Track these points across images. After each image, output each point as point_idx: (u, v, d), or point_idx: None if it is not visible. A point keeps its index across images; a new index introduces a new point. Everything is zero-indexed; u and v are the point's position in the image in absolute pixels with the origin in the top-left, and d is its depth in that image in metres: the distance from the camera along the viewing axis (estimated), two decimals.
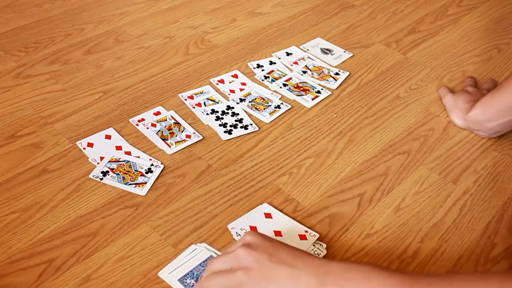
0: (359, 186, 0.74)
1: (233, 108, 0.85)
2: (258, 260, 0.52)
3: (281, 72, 0.95)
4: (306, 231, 0.66)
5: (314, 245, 0.64)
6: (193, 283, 0.59)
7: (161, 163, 0.75)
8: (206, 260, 0.62)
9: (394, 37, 1.07)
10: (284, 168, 0.76)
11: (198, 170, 0.75)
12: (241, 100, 0.87)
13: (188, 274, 0.60)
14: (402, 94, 0.91)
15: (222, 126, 0.82)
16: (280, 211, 0.69)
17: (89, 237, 0.65)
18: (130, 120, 0.82)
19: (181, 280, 0.60)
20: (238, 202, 0.70)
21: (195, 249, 0.63)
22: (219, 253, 0.63)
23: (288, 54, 1.00)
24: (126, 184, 0.72)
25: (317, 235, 0.65)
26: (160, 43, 1.02)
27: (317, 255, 0.63)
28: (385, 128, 0.84)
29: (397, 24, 1.12)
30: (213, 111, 0.85)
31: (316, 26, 1.10)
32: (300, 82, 0.92)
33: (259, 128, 0.82)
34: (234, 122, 0.83)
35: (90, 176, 0.73)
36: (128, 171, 0.73)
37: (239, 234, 0.65)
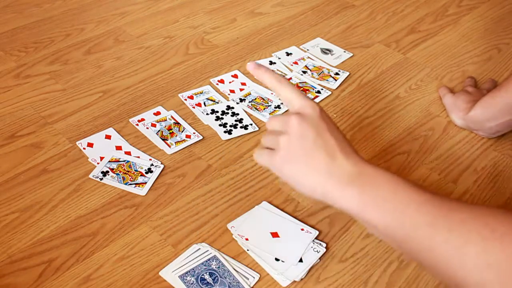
0: None
1: (233, 108, 0.85)
2: (305, 135, 0.52)
3: (281, 72, 0.95)
4: (302, 229, 0.66)
5: (313, 243, 0.65)
6: (193, 281, 0.59)
7: (161, 163, 0.75)
8: (208, 260, 0.62)
9: (394, 37, 1.07)
10: None
11: (198, 170, 0.75)
12: (241, 100, 0.87)
13: (189, 272, 0.60)
14: (402, 94, 0.91)
15: (222, 126, 0.82)
16: (282, 209, 0.69)
17: (89, 237, 0.65)
18: (130, 120, 0.82)
19: (182, 277, 0.60)
20: (238, 202, 0.70)
21: (199, 249, 0.63)
22: (221, 252, 0.63)
23: (288, 54, 1.00)
24: (126, 184, 0.72)
25: (314, 233, 0.65)
26: (160, 43, 1.03)
27: (316, 252, 0.63)
28: (385, 128, 0.84)
29: (397, 24, 1.12)
30: (213, 111, 0.85)
31: (316, 26, 1.10)
32: (300, 82, 0.92)
33: (259, 128, 0.82)
34: (234, 122, 0.83)
35: (90, 176, 0.73)
36: (128, 171, 0.73)
37: (239, 234, 0.65)
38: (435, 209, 0.47)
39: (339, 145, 0.52)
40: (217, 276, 0.60)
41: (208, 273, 0.60)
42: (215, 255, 0.62)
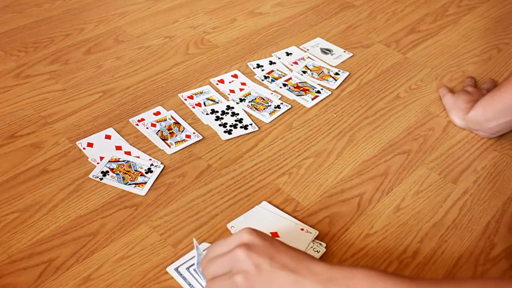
0: (359, 186, 0.74)
1: (233, 108, 0.85)
2: (258, 264, 0.49)
3: (281, 72, 0.95)
4: (302, 229, 0.66)
5: (313, 243, 0.65)
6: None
7: (161, 163, 0.75)
8: None
9: (394, 37, 1.07)
10: (284, 168, 0.76)
11: (198, 170, 0.75)
12: (241, 100, 0.87)
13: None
14: (402, 94, 0.91)
15: (222, 126, 0.82)
16: (281, 210, 0.69)
17: (89, 237, 0.65)
18: (130, 120, 0.82)
19: (197, 270, 0.60)
20: (238, 202, 0.70)
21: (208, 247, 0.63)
22: None
23: (288, 54, 1.00)
24: (126, 184, 0.72)
25: (314, 233, 0.65)
26: (160, 43, 1.02)
27: (316, 252, 0.63)
28: (385, 128, 0.84)
29: (397, 24, 1.12)
30: (213, 111, 0.85)
31: (316, 26, 1.10)
32: (300, 82, 0.92)
33: (259, 128, 0.82)
34: (234, 122, 0.83)
35: (90, 176, 0.73)
36: (128, 171, 0.73)
37: None
38: None
39: (297, 258, 0.50)
40: None
41: None
42: None
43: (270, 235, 0.64)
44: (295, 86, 0.91)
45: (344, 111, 0.87)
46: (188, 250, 0.64)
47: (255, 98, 0.88)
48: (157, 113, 0.84)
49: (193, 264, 0.61)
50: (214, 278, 0.52)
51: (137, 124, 0.82)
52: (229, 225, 0.66)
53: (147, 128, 0.81)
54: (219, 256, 0.52)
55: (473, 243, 0.67)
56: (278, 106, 0.87)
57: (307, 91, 0.90)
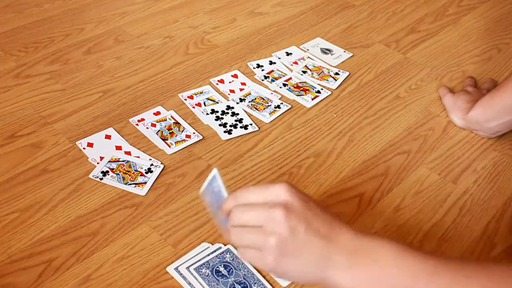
0: (359, 186, 0.74)
1: (233, 108, 0.85)
2: (294, 228, 0.48)
3: (281, 72, 0.95)
4: None
5: None
6: (208, 273, 0.59)
7: (161, 163, 0.75)
8: (222, 253, 0.62)
9: (394, 37, 1.07)
10: (284, 168, 0.76)
11: (198, 170, 0.75)
12: (241, 100, 0.87)
13: (204, 265, 0.61)
14: (402, 94, 0.91)
15: (222, 126, 0.82)
16: None
17: (89, 237, 0.65)
18: (130, 120, 0.82)
19: (197, 270, 0.60)
20: None
21: (208, 247, 0.63)
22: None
23: (288, 54, 1.00)
24: (126, 184, 0.72)
25: None
26: (160, 43, 1.02)
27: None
28: (385, 128, 0.84)
29: (397, 24, 1.12)
30: (213, 111, 0.85)
31: (316, 26, 1.10)
32: (300, 82, 0.92)
33: (259, 128, 0.82)
34: (234, 122, 0.83)
35: (90, 176, 0.73)
36: (128, 171, 0.73)
37: None
38: (447, 278, 0.45)
39: (330, 224, 0.50)
40: (231, 268, 0.60)
41: (222, 265, 0.61)
42: (228, 247, 0.63)
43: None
44: (295, 86, 0.91)
45: (344, 111, 0.87)
46: (188, 250, 0.64)
47: (255, 98, 0.88)
48: (157, 113, 0.84)
49: (193, 264, 0.61)
50: (244, 227, 0.50)
51: (137, 124, 0.82)
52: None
53: (147, 128, 0.81)
54: (254, 207, 0.50)
55: (473, 243, 0.67)
56: (278, 106, 0.87)
57: (307, 91, 0.90)
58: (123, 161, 0.75)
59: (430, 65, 0.99)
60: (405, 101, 0.90)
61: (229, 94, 0.89)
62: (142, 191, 0.71)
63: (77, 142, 0.78)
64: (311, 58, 0.99)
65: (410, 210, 0.70)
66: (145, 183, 0.72)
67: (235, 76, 0.94)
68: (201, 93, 0.89)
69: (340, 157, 0.78)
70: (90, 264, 0.62)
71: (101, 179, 0.72)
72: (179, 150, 0.78)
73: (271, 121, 0.84)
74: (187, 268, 0.61)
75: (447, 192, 0.73)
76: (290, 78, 0.93)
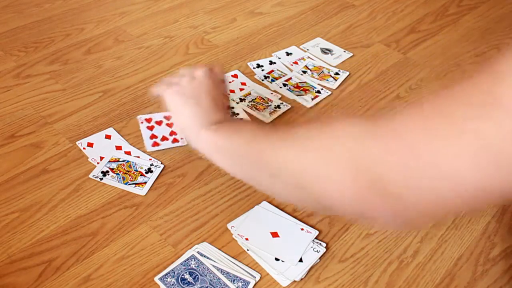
0: None
1: (233, 108, 0.85)
2: (201, 83, 0.66)
3: (281, 72, 0.95)
4: (302, 229, 0.66)
5: (313, 243, 0.65)
6: (174, 282, 0.59)
7: (161, 163, 0.75)
8: (187, 260, 0.62)
9: (394, 37, 1.07)
10: None
11: (198, 170, 0.75)
12: (241, 100, 0.87)
13: (168, 273, 0.60)
14: (402, 94, 0.91)
15: None
16: (282, 210, 0.69)
17: (89, 237, 0.65)
18: (138, 117, 0.82)
19: (162, 279, 0.60)
20: (238, 202, 0.70)
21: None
22: (220, 252, 0.63)
23: (288, 54, 1.00)
24: (126, 184, 0.72)
25: (314, 233, 0.65)
26: (160, 43, 1.02)
27: (316, 252, 0.63)
28: None
29: (397, 24, 1.12)
30: None
31: (316, 26, 1.10)
32: (300, 82, 0.92)
33: None
34: None
35: (90, 176, 0.73)
36: (128, 171, 0.73)
37: (239, 234, 0.65)
38: (276, 131, 0.54)
39: (215, 104, 0.64)
40: (197, 275, 0.60)
41: (188, 272, 0.60)
42: (193, 254, 0.62)
43: (271, 234, 0.64)
44: (295, 86, 0.91)
45: (344, 111, 0.87)
46: (188, 250, 0.64)
47: (255, 98, 0.88)
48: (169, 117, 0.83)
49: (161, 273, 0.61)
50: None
51: (142, 122, 0.81)
52: (229, 225, 0.66)
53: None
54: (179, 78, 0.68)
55: (473, 243, 0.67)
56: (278, 106, 0.87)
57: (307, 91, 0.90)
58: (123, 161, 0.75)
59: (430, 65, 0.99)
60: (405, 101, 0.90)
61: (229, 94, 0.89)
62: (142, 191, 0.71)
63: (77, 142, 0.78)
64: (311, 58, 0.99)
65: None
66: (145, 183, 0.72)
67: (235, 76, 0.94)
68: None
69: None
70: (90, 264, 0.62)
71: (101, 179, 0.72)
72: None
73: (271, 121, 0.84)
74: (159, 278, 0.60)
75: None
76: (290, 78, 0.93)
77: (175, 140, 0.78)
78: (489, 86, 0.34)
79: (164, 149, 0.77)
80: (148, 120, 0.82)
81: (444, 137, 0.35)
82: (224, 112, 0.65)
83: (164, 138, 0.79)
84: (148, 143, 0.78)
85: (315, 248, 0.64)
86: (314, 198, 0.47)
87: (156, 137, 0.79)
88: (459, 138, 0.35)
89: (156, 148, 0.78)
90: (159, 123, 0.82)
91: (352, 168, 0.41)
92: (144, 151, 0.77)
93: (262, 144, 0.52)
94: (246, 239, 0.64)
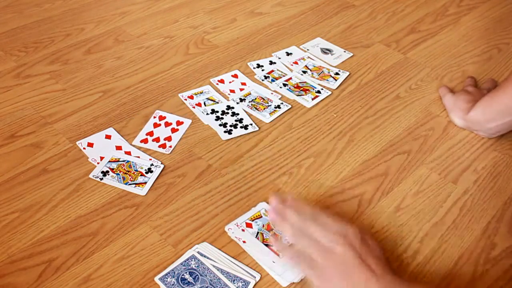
0: (359, 186, 0.74)
1: (233, 108, 0.85)
2: (349, 253, 0.56)
3: (281, 72, 0.95)
4: None
5: None
6: (174, 282, 0.59)
7: (161, 163, 0.75)
8: (187, 260, 0.62)
9: (394, 37, 1.07)
10: (284, 168, 0.76)
11: (198, 170, 0.75)
12: (241, 100, 0.87)
13: (168, 273, 0.60)
14: (402, 94, 0.91)
15: (222, 126, 0.82)
16: None
17: (89, 237, 0.65)
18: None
19: (162, 279, 0.60)
20: (238, 202, 0.70)
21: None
22: (220, 252, 0.63)
23: (288, 54, 1.00)
24: (126, 184, 0.72)
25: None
26: (160, 43, 1.02)
27: None
28: (385, 128, 0.84)
29: (397, 24, 1.12)
30: (213, 111, 0.85)
31: (316, 26, 1.10)
32: (300, 82, 0.92)
33: (259, 128, 0.82)
34: (234, 122, 0.83)
35: (90, 176, 0.73)
36: (128, 171, 0.73)
37: (236, 237, 0.65)
38: None
39: (378, 263, 0.56)
40: (197, 275, 0.60)
41: (188, 272, 0.60)
42: (193, 254, 0.62)
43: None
44: (295, 86, 0.91)
45: (344, 111, 0.87)
46: (188, 250, 0.64)
47: (255, 98, 0.88)
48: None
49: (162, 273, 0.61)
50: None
51: (154, 117, 0.81)
52: (226, 227, 0.66)
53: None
54: (328, 227, 0.59)
55: (473, 243, 0.67)
56: (278, 106, 0.87)
57: (307, 91, 0.90)
58: (123, 161, 0.75)
59: (430, 65, 0.99)
60: (405, 101, 0.90)
61: (229, 94, 0.89)
62: (142, 191, 0.71)
63: (77, 142, 0.78)
64: (311, 58, 0.99)
65: (410, 210, 0.70)
66: (145, 183, 0.72)
67: (235, 76, 0.94)
68: (201, 93, 0.89)
69: (340, 157, 0.78)
70: (90, 264, 0.62)
71: (101, 179, 0.72)
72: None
73: (271, 121, 0.84)
74: (159, 278, 0.60)
75: (447, 192, 0.73)
76: (290, 78, 0.93)
77: (162, 146, 0.78)
78: None
79: (148, 149, 0.77)
80: (161, 118, 0.82)
81: None
82: (382, 267, 0.56)
83: (156, 139, 0.79)
84: (140, 137, 0.78)
85: None
86: None
87: (152, 134, 0.79)
88: None
89: (142, 144, 0.77)
90: (167, 124, 0.81)
91: None
92: (144, 151, 0.77)
93: None
94: (244, 241, 0.64)
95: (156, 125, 0.81)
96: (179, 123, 0.82)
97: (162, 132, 0.80)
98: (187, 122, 0.82)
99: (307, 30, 1.08)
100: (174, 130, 0.80)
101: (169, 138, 0.79)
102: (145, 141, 0.78)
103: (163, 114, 0.83)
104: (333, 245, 0.57)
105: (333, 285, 0.55)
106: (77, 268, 0.61)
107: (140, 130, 0.81)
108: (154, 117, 0.82)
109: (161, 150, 0.77)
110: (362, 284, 0.54)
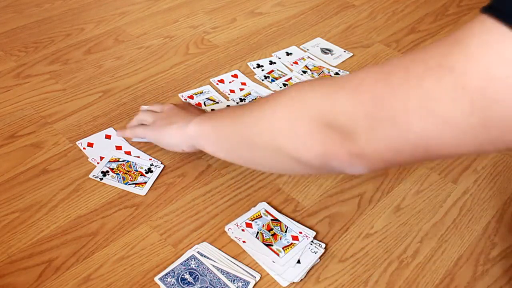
0: (359, 186, 0.74)
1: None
2: (171, 111, 0.73)
3: (281, 72, 0.95)
4: (301, 232, 0.66)
5: (311, 244, 0.64)
6: (174, 282, 0.59)
7: (161, 163, 0.75)
8: (187, 260, 0.62)
9: (394, 37, 1.07)
10: None
11: (198, 170, 0.75)
12: (241, 99, 0.87)
13: (168, 273, 0.60)
14: None
15: None
16: (280, 211, 0.69)
17: (89, 237, 0.65)
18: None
19: (162, 279, 0.60)
20: (238, 202, 0.70)
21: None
22: (220, 252, 0.63)
23: (288, 54, 1.00)
24: (126, 184, 0.72)
25: (311, 237, 0.65)
26: (160, 43, 1.02)
27: (314, 253, 0.63)
28: None
29: (397, 24, 1.12)
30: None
31: (316, 26, 1.10)
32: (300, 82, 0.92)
33: None
34: None
35: (90, 176, 0.73)
36: (128, 171, 0.73)
37: (236, 237, 0.65)
38: (248, 104, 0.59)
39: (195, 110, 0.74)
40: (197, 275, 0.60)
41: (188, 272, 0.60)
42: (193, 254, 0.62)
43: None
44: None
45: None
46: (188, 250, 0.64)
47: (255, 98, 0.88)
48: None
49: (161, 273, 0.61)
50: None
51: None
52: (226, 227, 0.66)
53: None
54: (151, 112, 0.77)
55: (473, 243, 0.67)
56: None
57: None
58: (123, 161, 0.75)
59: None
60: None
61: (229, 94, 0.89)
62: (142, 191, 0.71)
63: (77, 142, 0.78)
64: (311, 58, 0.99)
65: (410, 210, 0.70)
66: (145, 183, 0.72)
67: (235, 76, 0.94)
68: (201, 93, 0.89)
69: None
70: (90, 264, 0.62)
71: (101, 179, 0.72)
72: None
73: None
74: (159, 278, 0.60)
75: (447, 192, 0.73)
76: (290, 78, 0.93)
77: None
78: (446, 51, 0.37)
79: (146, 141, 0.78)
80: None
81: (404, 90, 0.39)
82: (200, 112, 0.72)
83: None
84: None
85: (312, 249, 0.64)
86: (290, 157, 0.50)
87: None
88: (412, 95, 0.38)
89: (139, 139, 0.78)
90: None
91: (318, 121, 0.46)
92: (145, 151, 0.77)
93: (238, 120, 0.58)
94: (243, 241, 0.64)
95: None
96: None
97: None
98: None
99: (307, 30, 1.08)
100: None
101: None
102: None
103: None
104: (162, 109, 0.75)
105: (159, 128, 0.71)
106: (77, 268, 0.61)
107: None
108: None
109: None
110: (179, 120, 0.69)
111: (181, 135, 0.68)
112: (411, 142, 0.40)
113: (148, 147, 0.78)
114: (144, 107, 0.80)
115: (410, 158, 0.42)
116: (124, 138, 0.78)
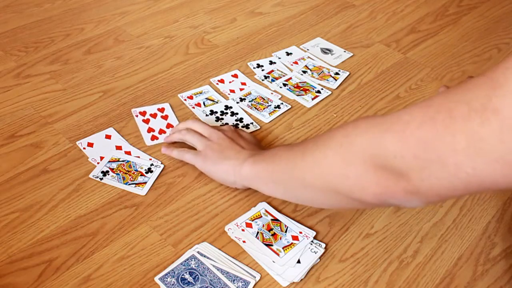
0: None
1: (231, 107, 0.85)
2: (221, 139, 0.71)
3: (281, 72, 0.95)
4: (301, 232, 0.66)
5: (311, 243, 0.64)
6: (174, 282, 0.59)
7: (161, 163, 0.75)
8: (187, 260, 0.62)
9: (394, 37, 1.07)
10: None
11: (198, 170, 0.75)
12: (241, 99, 0.87)
13: (168, 273, 0.60)
14: (402, 94, 0.91)
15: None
16: (280, 211, 0.69)
17: (89, 237, 0.65)
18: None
19: (162, 279, 0.60)
20: (238, 202, 0.70)
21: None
22: (220, 252, 0.63)
23: (288, 54, 1.00)
24: (126, 184, 0.72)
25: (311, 237, 0.65)
26: (160, 43, 1.02)
27: (314, 253, 0.63)
28: None
29: (397, 24, 1.12)
30: (212, 112, 0.85)
31: (316, 26, 1.10)
32: (300, 82, 0.92)
33: (260, 127, 0.82)
34: (235, 122, 0.83)
35: (90, 176, 0.73)
36: (128, 171, 0.73)
37: (236, 237, 0.65)
38: (298, 147, 0.59)
39: (247, 144, 0.71)
40: (197, 275, 0.60)
41: (188, 272, 0.60)
42: (193, 254, 0.62)
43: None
44: (295, 86, 0.91)
45: (344, 111, 0.87)
46: (188, 250, 0.64)
47: (255, 98, 0.88)
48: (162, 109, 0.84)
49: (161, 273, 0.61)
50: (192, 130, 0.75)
51: (137, 116, 0.81)
52: (226, 227, 0.66)
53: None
54: (205, 125, 0.75)
55: (473, 243, 0.67)
56: (278, 106, 0.87)
57: (307, 91, 0.90)
58: (123, 161, 0.75)
59: (430, 65, 0.99)
60: (405, 101, 0.90)
61: (229, 94, 0.89)
62: (142, 191, 0.71)
63: (77, 142, 0.78)
64: (311, 58, 0.99)
65: (410, 210, 0.70)
66: (145, 183, 0.72)
67: (235, 76, 0.94)
68: (200, 93, 0.89)
69: None
70: (90, 264, 0.62)
71: (101, 179, 0.72)
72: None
73: (270, 121, 0.84)
74: (159, 278, 0.60)
75: None
76: (290, 78, 0.93)
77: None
78: (487, 93, 0.39)
79: (158, 144, 0.77)
80: (143, 113, 0.82)
81: (450, 132, 0.41)
82: (252, 147, 0.71)
83: (161, 131, 0.79)
84: (146, 137, 0.78)
85: (312, 249, 0.64)
86: (348, 197, 0.52)
87: (153, 130, 0.80)
88: (459, 136, 0.40)
89: (155, 142, 0.78)
90: (153, 115, 0.82)
91: (370, 163, 0.47)
92: (144, 151, 0.77)
93: (291, 165, 0.59)
94: (243, 241, 0.64)
95: (146, 121, 0.81)
96: (161, 110, 0.84)
97: (159, 124, 0.80)
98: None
99: (307, 30, 1.08)
100: (165, 117, 0.81)
101: (170, 125, 0.81)
102: (155, 138, 0.79)
103: (141, 109, 0.84)
104: (210, 134, 0.72)
105: (212, 161, 0.69)
106: (77, 268, 0.61)
107: (139, 130, 0.81)
108: (137, 116, 0.82)
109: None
110: (232, 155, 0.68)
111: (234, 175, 0.67)
112: (464, 181, 0.41)
113: (148, 147, 0.78)
114: (189, 123, 0.75)
115: (464, 192, 0.43)
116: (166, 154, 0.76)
